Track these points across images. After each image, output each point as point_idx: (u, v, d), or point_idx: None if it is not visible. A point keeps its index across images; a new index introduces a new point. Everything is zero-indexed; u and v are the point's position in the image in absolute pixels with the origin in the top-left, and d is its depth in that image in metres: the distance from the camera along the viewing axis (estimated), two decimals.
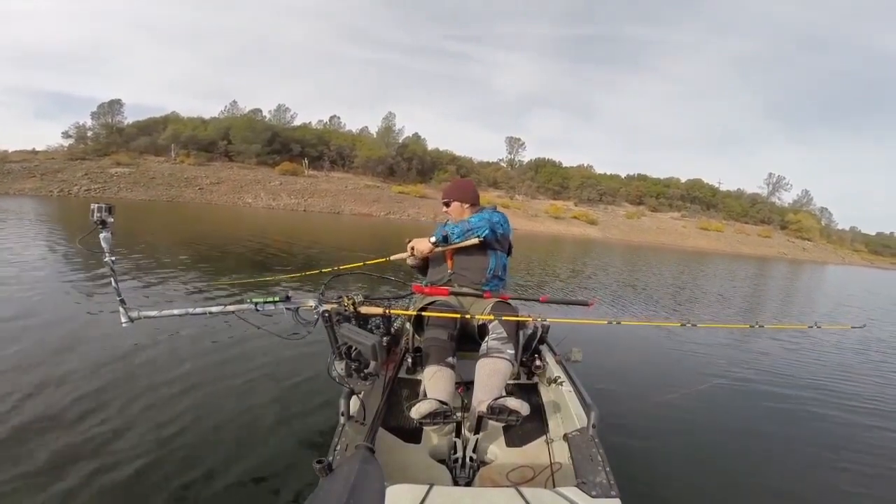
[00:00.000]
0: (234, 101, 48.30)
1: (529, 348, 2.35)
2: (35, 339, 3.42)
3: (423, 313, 2.10)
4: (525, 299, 2.63)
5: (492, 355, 1.97)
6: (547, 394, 2.23)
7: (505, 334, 2.02)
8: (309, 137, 43.88)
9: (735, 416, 3.34)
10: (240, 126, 40.62)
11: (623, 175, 59.09)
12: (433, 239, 2.26)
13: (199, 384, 2.95)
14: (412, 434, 1.87)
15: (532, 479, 1.68)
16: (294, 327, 1.98)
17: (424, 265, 2.56)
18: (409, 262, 2.54)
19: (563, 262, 15.18)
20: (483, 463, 1.79)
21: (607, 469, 1.49)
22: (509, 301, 2.25)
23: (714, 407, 3.28)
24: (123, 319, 1.89)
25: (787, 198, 61.82)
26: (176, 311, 2.00)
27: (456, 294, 2.29)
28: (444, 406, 1.72)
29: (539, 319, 2.26)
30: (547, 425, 2.00)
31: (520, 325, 2.12)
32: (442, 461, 1.76)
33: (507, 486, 1.53)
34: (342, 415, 1.66)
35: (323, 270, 2.21)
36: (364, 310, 2.00)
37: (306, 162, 40.66)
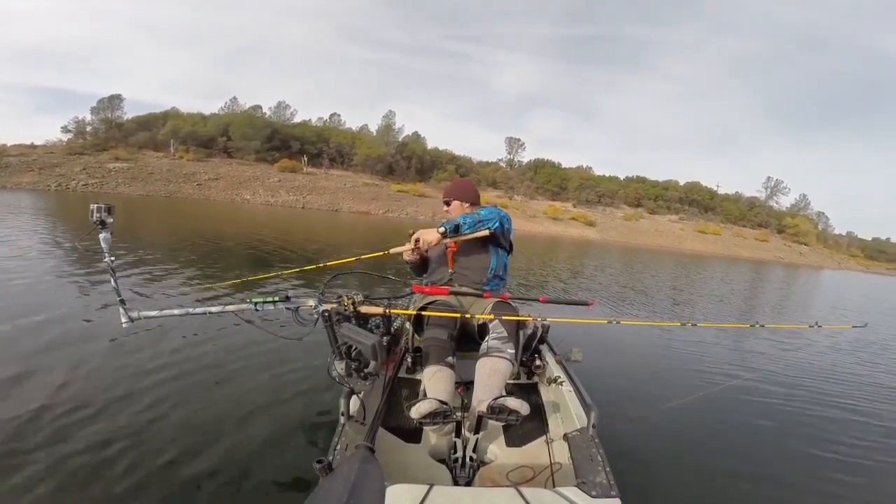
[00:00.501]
0: (235, 98, 48.16)
1: (529, 348, 2.36)
2: (33, 340, 3.39)
3: (423, 313, 2.10)
4: (525, 299, 2.63)
5: (492, 355, 1.97)
6: (547, 394, 2.24)
7: (505, 334, 2.02)
8: (308, 135, 43.78)
9: (735, 416, 3.34)
10: (239, 122, 40.50)
11: (622, 177, 59.19)
12: (442, 229, 2.19)
13: (199, 384, 2.94)
14: (412, 434, 1.87)
15: (532, 479, 1.68)
16: (294, 327, 1.98)
17: (422, 264, 2.55)
18: (407, 257, 2.47)
19: (563, 263, 15.19)
20: (483, 463, 1.80)
21: (607, 469, 1.50)
22: (510, 301, 2.25)
23: (714, 407, 3.28)
24: (123, 319, 1.89)
25: (784, 202, 62.02)
26: (176, 311, 2.00)
27: (456, 294, 2.29)
28: (444, 406, 1.72)
29: (539, 319, 2.27)
30: (547, 425, 2.01)
31: (520, 325, 2.13)
32: (442, 461, 1.76)
33: (507, 486, 1.53)
34: (342, 414, 1.66)
35: (317, 265, 2.20)
36: (364, 309, 2.00)
37: (305, 159, 40.58)
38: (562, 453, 1.77)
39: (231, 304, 1.99)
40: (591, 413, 1.74)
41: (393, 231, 20.00)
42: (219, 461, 2.16)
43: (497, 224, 2.28)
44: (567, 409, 1.96)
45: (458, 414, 1.77)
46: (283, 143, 41.47)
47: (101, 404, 2.55)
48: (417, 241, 2.17)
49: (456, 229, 2.19)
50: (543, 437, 1.92)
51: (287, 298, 1.95)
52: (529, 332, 2.34)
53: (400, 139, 46.79)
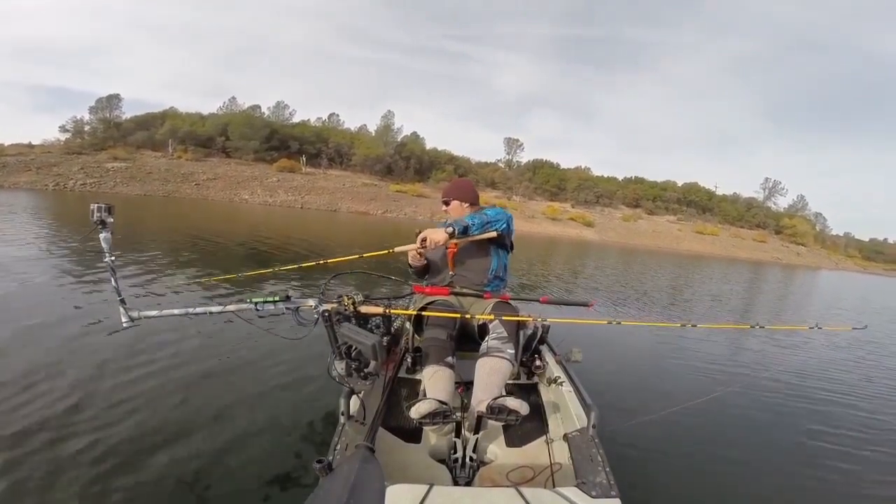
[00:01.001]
0: (233, 98, 48.14)
1: (529, 348, 2.36)
2: (31, 340, 3.39)
3: (423, 313, 2.10)
4: (525, 299, 2.63)
5: (492, 355, 1.97)
6: (547, 394, 2.23)
7: (505, 334, 2.02)
8: (307, 135, 43.76)
9: (735, 416, 3.34)
10: (238, 122, 40.45)
11: (620, 177, 59.24)
12: (450, 229, 2.10)
13: (199, 384, 2.94)
14: (412, 434, 1.87)
15: (532, 479, 1.68)
16: (294, 327, 1.97)
17: (424, 269, 2.53)
18: (413, 261, 2.46)
19: (562, 264, 15.21)
20: (483, 463, 1.79)
21: (607, 469, 1.50)
22: (510, 301, 2.25)
23: (714, 407, 3.28)
24: (124, 319, 1.89)
25: (782, 202, 62.16)
26: (176, 311, 1.99)
27: (456, 294, 2.29)
28: (444, 406, 1.72)
29: (539, 319, 2.27)
30: (547, 425, 2.01)
31: (520, 325, 2.13)
32: (442, 461, 1.76)
33: (507, 486, 1.53)
34: (342, 414, 1.66)
35: (317, 263, 2.20)
36: (364, 309, 2.00)
37: (304, 159, 40.55)
38: (562, 453, 1.77)
39: (231, 303, 1.99)
40: (591, 413, 1.74)
41: (392, 231, 20.00)
42: (219, 461, 2.16)
43: (504, 225, 2.28)
44: (567, 410, 1.96)
45: (458, 414, 1.77)
46: (281, 143, 41.44)
47: (100, 404, 2.54)
48: (424, 240, 2.10)
49: (465, 231, 2.15)
50: (543, 438, 1.92)
51: (287, 298, 1.94)
52: (529, 332, 2.34)
53: (399, 139, 46.80)
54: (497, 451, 1.85)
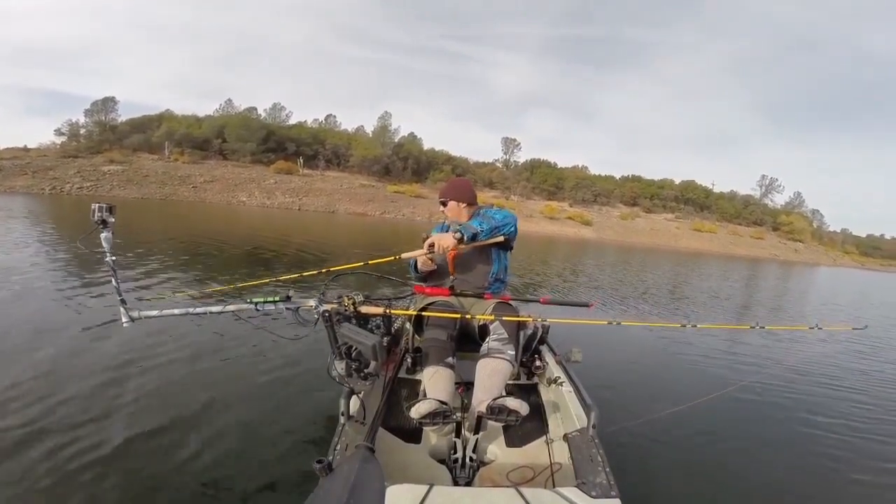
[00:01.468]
0: (230, 100, 48.14)
1: (529, 348, 2.36)
2: (31, 340, 3.39)
3: (423, 313, 2.10)
4: (525, 300, 2.63)
5: (492, 355, 1.97)
6: (547, 394, 2.23)
7: (506, 335, 2.02)
8: (304, 136, 43.71)
9: (735, 417, 3.34)
10: (235, 124, 40.39)
11: (618, 176, 59.32)
12: (458, 235, 2.04)
13: (198, 384, 2.94)
14: (412, 434, 1.87)
15: (532, 479, 1.68)
16: (294, 327, 1.97)
17: (428, 272, 2.49)
18: (422, 267, 2.41)
19: (562, 263, 15.23)
20: (483, 463, 1.79)
21: (607, 469, 1.50)
22: (510, 302, 2.25)
23: (714, 408, 3.26)
24: (124, 319, 1.90)
25: (779, 199, 62.26)
26: (176, 311, 1.99)
27: (457, 294, 2.29)
28: (444, 406, 1.72)
29: (539, 320, 2.27)
30: (547, 425, 2.00)
31: (520, 326, 2.12)
32: (442, 461, 1.76)
33: (507, 486, 1.53)
34: (342, 414, 1.66)
35: (323, 271, 2.19)
36: (364, 310, 1.99)
37: (301, 161, 40.49)
38: (562, 453, 1.77)
39: (231, 303, 1.99)
40: (591, 413, 1.74)
41: (391, 232, 20.00)
42: (218, 461, 2.16)
43: (512, 229, 2.27)
44: (567, 410, 1.96)
45: (458, 414, 1.77)
46: (278, 144, 41.38)
47: (98, 404, 2.54)
48: (432, 245, 2.06)
49: (473, 237, 2.10)
50: (543, 438, 1.92)
51: (287, 298, 1.94)
52: (530, 332, 2.35)
53: (396, 140, 46.78)
54: (497, 451, 1.85)
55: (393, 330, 2.40)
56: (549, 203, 46.34)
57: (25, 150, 33.68)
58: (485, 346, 2.03)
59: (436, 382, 1.91)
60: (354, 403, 1.72)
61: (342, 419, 1.65)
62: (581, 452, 1.64)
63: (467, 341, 2.25)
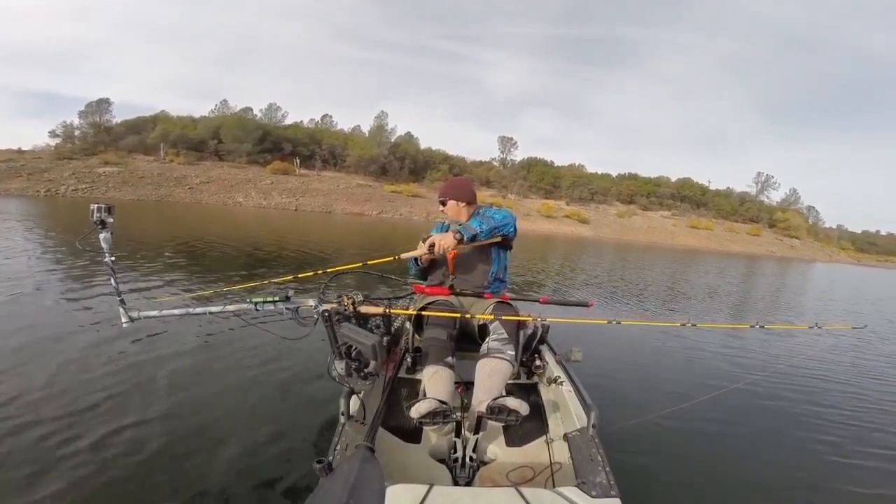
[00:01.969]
0: (225, 100, 47.97)
1: (529, 348, 2.35)
2: (29, 340, 3.38)
3: (424, 313, 2.09)
4: (525, 299, 2.62)
5: (492, 355, 1.97)
6: (547, 394, 2.23)
7: (506, 335, 2.02)
8: (300, 136, 43.61)
9: (735, 416, 3.34)
10: (230, 125, 40.25)
11: (614, 174, 59.48)
12: (459, 235, 2.06)
13: (198, 384, 2.94)
14: (412, 434, 1.86)
15: (532, 478, 1.68)
16: (294, 327, 1.97)
17: (427, 269, 2.50)
18: (422, 261, 2.40)
19: (561, 261, 15.27)
20: (483, 463, 1.79)
21: (607, 469, 1.50)
22: (510, 301, 2.25)
23: (714, 407, 3.26)
24: (123, 319, 1.89)
25: (775, 196, 62.57)
26: (176, 311, 1.99)
27: (457, 294, 2.28)
28: (444, 406, 1.72)
29: (539, 319, 2.26)
30: (547, 425, 2.00)
31: (520, 325, 2.12)
32: (442, 461, 1.75)
33: (507, 486, 1.53)
34: (342, 414, 1.66)
35: (326, 271, 2.18)
36: (364, 309, 1.99)
37: (297, 161, 40.40)
38: (562, 453, 1.77)
39: (231, 303, 1.98)
40: (591, 413, 1.74)
41: (389, 232, 19.99)
42: (218, 461, 2.16)
43: (512, 229, 2.27)
44: (567, 409, 1.96)
45: (458, 414, 1.77)
46: (274, 145, 41.29)
47: (98, 404, 2.54)
48: (433, 245, 2.07)
49: (473, 238, 2.11)
50: (543, 437, 1.92)
51: (287, 298, 1.94)
52: (529, 332, 2.34)
53: (392, 140, 46.71)
54: (497, 451, 1.85)
55: (393, 329, 2.39)
56: (546, 202, 46.38)
57: (19, 151, 33.49)
58: (485, 346, 2.03)
59: (436, 382, 1.90)
60: (354, 403, 1.72)
61: (342, 419, 1.65)
62: (581, 452, 1.64)
63: (467, 341, 2.24)
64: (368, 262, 2.21)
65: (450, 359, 1.99)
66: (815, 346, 6.05)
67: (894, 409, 3.93)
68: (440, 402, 1.72)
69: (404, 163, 44.78)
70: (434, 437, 1.85)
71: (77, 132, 37.37)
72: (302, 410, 2.71)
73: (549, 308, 2.44)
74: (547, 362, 2.35)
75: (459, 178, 2.72)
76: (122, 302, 1.90)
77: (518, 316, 2.11)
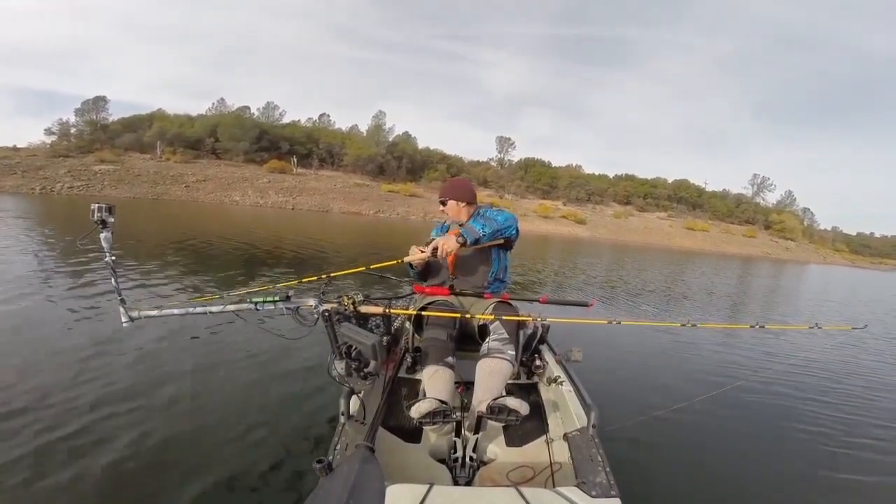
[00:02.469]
0: (222, 99, 47.82)
1: (529, 348, 2.35)
2: (28, 340, 3.36)
3: (423, 313, 2.09)
4: (525, 299, 2.63)
5: (493, 355, 1.97)
6: (547, 393, 2.23)
7: (506, 335, 2.02)
8: (298, 135, 43.53)
9: (735, 416, 3.35)
10: (228, 123, 40.13)
11: (611, 175, 59.76)
12: (461, 239, 2.06)
13: (198, 384, 2.93)
14: (412, 434, 1.86)
15: (532, 478, 1.67)
16: (294, 327, 1.96)
17: (425, 270, 2.50)
18: (416, 265, 2.41)
19: (559, 261, 15.30)
20: (483, 463, 1.79)
21: (607, 469, 1.50)
22: (510, 301, 2.25)
23: (714, 407, 3.27)
24: (123, 319, 1.89)
25: (771, 198, 62.92)
26: (176, 311, 1.98)
27: (456, 294, 2.28)
28: (444, 405, 1.72)
29: (539, 319, 2.26)
30: (547, 425, 2.00)
31: (520, 325, 2.12)
32: (442, 461, 1.75)
33: (507, 486, 1.53)
34: (342, 414, 1.66)
35: (330, 275, 2.17)
36: (364, 309, 1.99)
37: (295, 160, 40.32)
38: (562, 453, 1.77)
39: (231, 303, 1.98)
40: (591, 413, 1.74)
41: (387, 231, 19.96)
42: (219, 461, 2.15)
43: (514, 231, 2.27)
44: (567, 409, 1.96)
45: (458, 414, 1.77)
46: (272, 143, 41.18)
47: (97, 405, 2.53)
48: (436, 249, 2.07)
49: (476, 241, 2.11)
50: (543, 437, 1.92)
51: (287, 298, 1.94)
52: (529, 332, 2.34)
53: (390, 139, 46.68)
54: (497, 450, 1.85)
55: (393, 329, 2.40)
56: (543, 202, 46.48)
57: (15, 149, 33.25)
58: (485, 346, 2.03)
59: (436, 382, 1.90)
60: (354, 403, 1.72)
61: (342, 419, 1.65)
62: (581, 452, 1.64)
63: (467, 341, 2.24)
64: (371, 267, 2.20)
65: (450, 359, 1.99)
66: (814, 346, 6.08)
67: (893, 408, 3.96)
68: (440, 401, 1.72)
69: (402, 162, 44.76)
70: (434, 436, 1.85)
71: (73, 130, 37.18)
72: (302, 410, 2.70)
73: (549, 308, 2.44)
74: (547, 362, 2.35)
75: (460, 179, 2.71)
76: (123, 301, 1.90)
77: (518, 316, 2.11)
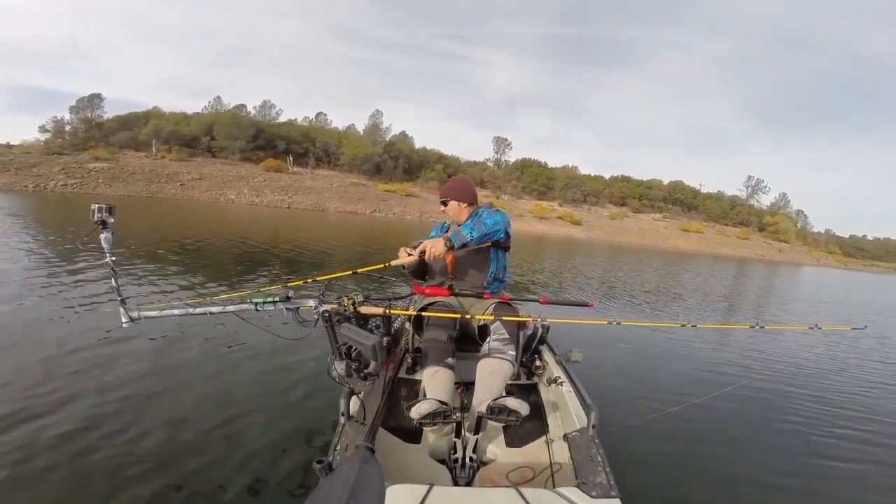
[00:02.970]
0: (219, 97, 47.71)
1: (529, 348, 2.36)
2: (28, 340, 3.33)
3: (423, 314, 2.09)
4: (525, 300, 2.63)
5: (493, 356, 1.97)
6: (547, 394, 2.23)
7: (507, 335, 2.02)
8: (294, 134, 43.42)
9: (735, 417, 3.36)
10: (224, 122, 39.97)
11: (607, 176, 59.94)
12: (449, 243, 2.06)
13: (198, 384, 2.92)
14: (412, 434, 1.86)
15: (532, 479, 1.68)
16: (294, 327, 1.96)
17: (422, 271, 2.49)
18: (409, 266, 2.36)
19: (557, 263, 15.33)
20: (483, 463, 1.79)
21: (607, 469, 1.50)
22: (510, 302, 2.25)
23: (714, 408, 3.28)
24: (124, 319, 1.88)
25: (765, 200, 63.34)
26: (176, 311, 1.97)
27: (456, 295, 2.28)
28: (444, 406, 1.72)
29: (539, 320, 2.27)
30: (547, 425, 2.00)
31: (520, 326, 2.12)
32: (442, 461, 1.75)
33: (507, 486, 1.53)
34: (342, 415, 1.65)
35: (317, 279, 2.17)
36: (364, 310, 1.98)
37: (291, 159, 40.21)
38: (562, 453, 1.77)
39: (231, 303, 1.97)
40: (591, 413, 1.74)
41: (383, 231, 19.93)
42: (218, 461, 2.14)
43: (503, 235, 2.28)
44: (567, 410, 1.96)
45: (458, 414, 1.77)
46: (268, 142, 41.05)
47: (98, 405, 2.52)
48: (423, 252, 2.06)
49: (464, 246, 2.11)
50: (543, 438, 1.92)
51: (287, 298, 1.93)
52: (529, 332, 2.34)
53: (387, 139, 46.64)
54: (497, 451, 1.85)
55: (393, 330, 2.39)
56: (539, 203, 46.58)
57: (8, 146, 32.99)
58: (485, 347, 2.03)
59: (435, 383, 1.90)
60: (354, 403, 1.71)
61: (342, 419, 1.64)
62: (581, 452, 1.64)
63: (467, 341, 2.24)
64: (358, 270, 2.20)
65: (450, 360, 1.99)
66: (814, 346, 6.12)
67: (893, 408, 3.99)
68: (440, 402, 1.72)
69: (398, 162, 44.74)
70: (434, 437, 1.85)
71: (67, 127, 36.92)
72: (302, 410, 2.70)
73: (549, 308, 2.45)
74: (547, 363, 2.35)
75: (460, 179, 2.71)
76: (123, 302, 1.89)
77: (518, 316, 2.11)
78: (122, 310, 1.88)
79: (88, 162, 30.37)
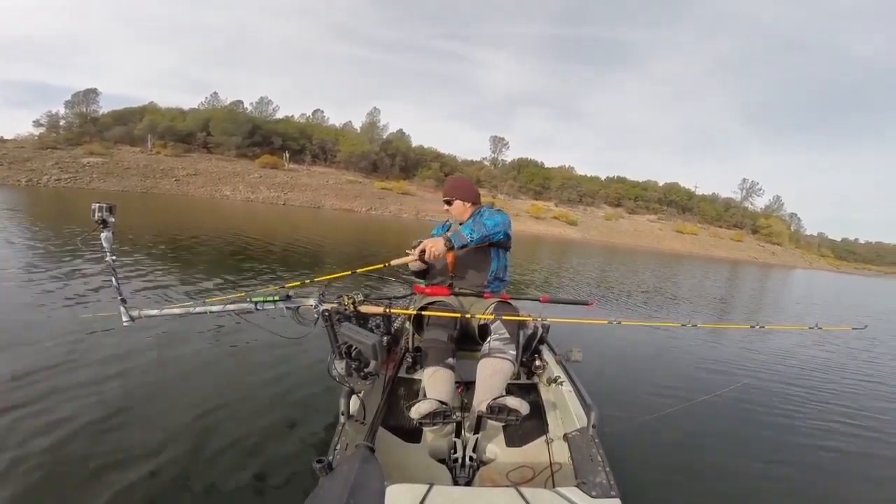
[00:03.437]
0: (215, 93, 47.29)
1: (529, 348, 2.36)
2: (27, 340, 3.30)
3: (424, 313, 2.09)
4: (525, 299, 2.63)
5: (494, 355, 1.97)
6: (547, 394, 2.24)
7: (507, 335, 2.02)
8: (291, 131, 43.30)
9: (735, 416, 3.36)
10: (220, 117, 39.76)
11: (603, 177, 60.18)
12: (449, 243, 2.07)
13: (198, 384, 2.90)
14: (412, 433, 1.86)
15: (532, 478, 1.68)
16: (294, 326, 1.96)
17: (424, 270, 2.49)
18: (413, 266, 2.37)
19: (556, 263, 15.36)
20: (483, 463, 1.79)
21: (607, 469, 1.50)
22: (510, 301, 2.25)
23: (714, 407, 3.30)
24: (124, 318, 1.87)
25: (759, 202, 63.78)
26: (176, 310, 1.96)
27: (457, 294, 2.28)
28: (444, 406, 1.72)
29: (539, 319, 2.27)
30: (547, 425, 2.01)
31: (520, 325, 2.12)
32: (442, 461, 1.75)
33: (507, 486, 1.54)
34: (342, 414, 1.65)
35: (305, 282, 2.17)
36: (364, 309, 1.98)
37: (287, 155, 40.07)
38: (562, 453, 1.77)
39: (231, 302, 1.96)
40: (591, 413, 1.74)
41: (380, 229, 19.89)
42: (217, 460, 2.13)
43: (503, 236, 2.28)
44: (567, 409, 1.97)
45: (458, 414, 1.77)
46: (264, 138, 40.90)
47: (98, 404, 2.50)
48: (423, 252, 2.07)
49: (463, 246, 2.12)
50: (543, 437, 1.93)
51: (287, 297, 1.92)
52: (529, 332, 2.34)
53: (384, 136, 46.58)
54: (497, 450, 1.85)
55: (393, 329, 2.39)
56: (535, 203, 46.67)
57: (2, 141, 32.66)
58: (486, 346, 2.03)
59: (435, 382, 1.90)
60: (354, 403, 1.71)
61: (342, 419, 1.64)
62: (581, 452, 1.64)
63: (467, 341, 2.24)
64: (358, 270, 2.20)
65: (450, 360, 1.99)
66: (814, 346, 6.14)
67: (892, 408, 4.02)
68: (440, 402, 1.72)
69: (395, 160, 44.71)
70: (434, 436, 1.85)
71: (62, 122, 36.62)
72: (302, 410, 2.68)
73: (549, 308, 2.45)
74: (547, 362, 2.35)
75: (462, 178, 2.71)
76: (123, 301, 1.88)
77: (519, 316, 2.11)
78: (122, 309, 1.87)
79: (82, 157, 30.13)
